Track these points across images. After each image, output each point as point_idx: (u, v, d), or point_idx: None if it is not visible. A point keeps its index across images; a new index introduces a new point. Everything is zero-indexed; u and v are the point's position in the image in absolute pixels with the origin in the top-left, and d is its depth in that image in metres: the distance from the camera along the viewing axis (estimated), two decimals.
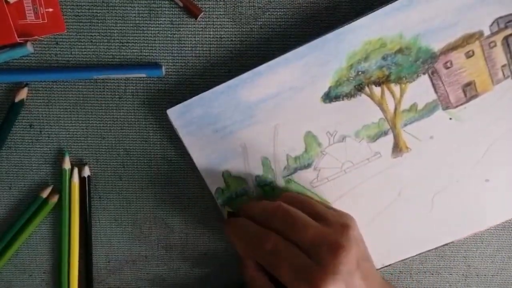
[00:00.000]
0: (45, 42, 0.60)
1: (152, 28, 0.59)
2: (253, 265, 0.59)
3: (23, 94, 0.60)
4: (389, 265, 0.66)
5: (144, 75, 0.60)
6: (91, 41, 0.60)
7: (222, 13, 0.59)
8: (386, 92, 0.59)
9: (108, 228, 0.67)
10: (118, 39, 0.60)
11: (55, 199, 0.64)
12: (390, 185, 0.63)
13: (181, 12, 0.59)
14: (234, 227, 0.59)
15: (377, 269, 0.64)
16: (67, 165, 0.63)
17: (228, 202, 0.63)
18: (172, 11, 0.59)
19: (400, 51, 0.57)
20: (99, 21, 0.59)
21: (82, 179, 0.64)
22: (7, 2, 0.56)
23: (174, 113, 0.59)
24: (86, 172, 0.64)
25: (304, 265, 0.53)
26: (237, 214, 0.62)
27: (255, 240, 0.56)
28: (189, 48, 0.60)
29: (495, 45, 0.57)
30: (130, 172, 0.65)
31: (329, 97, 0.59)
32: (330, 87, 0.59)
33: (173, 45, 0.60)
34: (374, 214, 0.64)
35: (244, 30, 0.60)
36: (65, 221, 0.64)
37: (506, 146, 0.61)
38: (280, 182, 0.62)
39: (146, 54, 0.60)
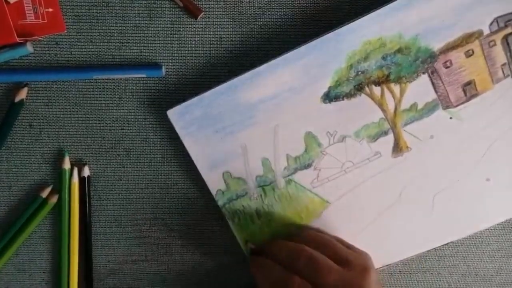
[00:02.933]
0: (45, 42, 0.60)
1: (152, 28, 0.59)
2: None
3: (23, 94, 0.60)
4: (389, 264, 0.66)
5: (144, 75, 0.60)
6: (91, 41, 0.60)
7: (222, 13, 0.59)
8: (386, 91, 0.59)
9: (108, 228, 0.67)
10: (118, 39, 0.60)
11: (54, 199, 0.64)
12: (390, 185, 0.63)
13: (181, 12, 0.59)
14: (260, 267, 0.61)
15: (377, 269, 0.64)
16: (66, 165, 0.63)
17: (229, 203, 0.63)
18: (172, 11, 0.59)
19: (399, 51, 0.57)
20: (99, 21, 0.59)
21: (81, 179, 0.64)
22: (7, 2, 0.56)
23: (174, 114, 0.59)
24: (86, 172, 0.64)
25: None
26: (259, 251, 0.63)
27: (280, 284, 0.57)
28: (189, 48, 0.60)
29: (495, 44, 0.57)
30: (130, 172, 0.65)
31: (329, 97, 0.59)
32: (329, 87, 0.59)
33: (173, 45, 0.60)
34: (375, 214, 0.64)
35: (244, 30, 0.60)
36: (65, 221, 0.64)
37: (506, 145, 0.61)
38: (281, 182, 0.62)
39: (146, 54, 0.60)
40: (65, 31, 0.59)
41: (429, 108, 0.60)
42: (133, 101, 0.62)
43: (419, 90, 0.59)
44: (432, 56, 0.58)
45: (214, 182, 0.62)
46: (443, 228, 0.64)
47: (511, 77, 0.59)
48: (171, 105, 0.60)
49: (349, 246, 0.63)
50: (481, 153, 0.61)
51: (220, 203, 0.63)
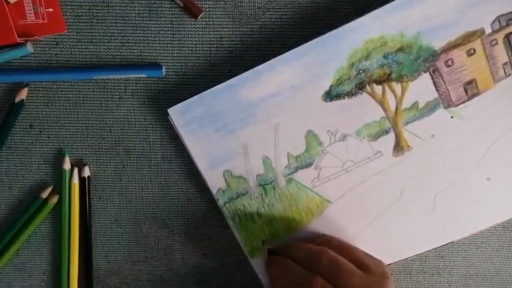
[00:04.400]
0: (45, 42, 0.60)
1: (152, 28, 0.59)
2: None
3: (23, 94, 0.60)
4: (390, 264, 0.66)
5: (144, 75, 0.60)
6: (91, 41, 0.60)
7: (222, 13, 0.59)
8: (388, 90, 0.59)
9: (108, 229, 0.67)
10: (118, 39, 0.60)
11: (55, 199, 0.64)
12: (391, 184, 0.63)
13: (181, 12, 0.59)
14: (279, 267, 0.61)
15: None
16: (67, 165, 0.63)
17: (229, 202, 0.63)
18: (172, 11, 0.59)
19: (401, 49, 0.57)
20: (99, 21, 0.59)
21: (82, 180, 0.64)
22: (7, 2, 0.56)
23: (175, 112, 0.59)
24: (86, 172, 0.64)
25: None
26: (276, 252, 0.63)
27: (302, 283, 0.57)
28: (189, 48, 0.60)
29: (497, 43, 0.57)
30: (130, 172, 0.64)
31: (330, 96, 0.59)
32: (331, 86, 0.59)
33: (173, 45, 0.60)
34: (375, 214, 0.64)
35: (244, 30, 0.60)
36: (65, 222, 0.64)
37: (507, 144, 0.61)
38: (281, 181, 0.62)
39: (146, 54, 0.60)
40: (66, 31, 0.59)
41: (430, 107, 0.60)
42: (133, 101, 0.62)
43: (420, 89, 0.59)
44: (433, 55, 0.58)
45: (214, 181, 0.62)
46: (444, 227, 0.64)
47: None
48: (171, 105, 0.59)
49: (364, 253, 0.63)
50: (482, 152, 0.61)
51: (220, 202, 0.63)
